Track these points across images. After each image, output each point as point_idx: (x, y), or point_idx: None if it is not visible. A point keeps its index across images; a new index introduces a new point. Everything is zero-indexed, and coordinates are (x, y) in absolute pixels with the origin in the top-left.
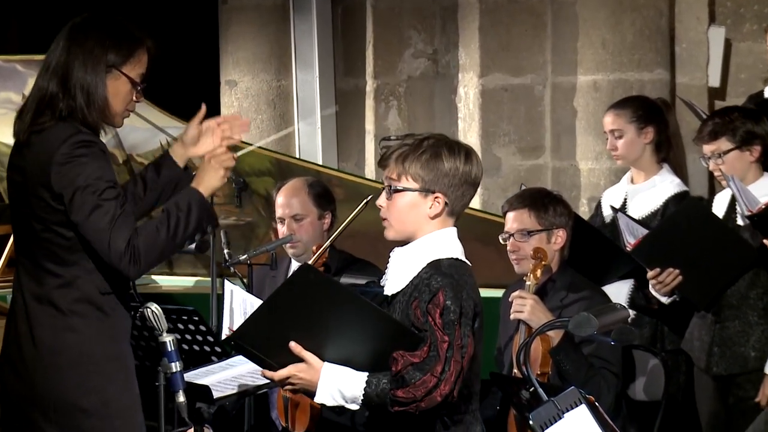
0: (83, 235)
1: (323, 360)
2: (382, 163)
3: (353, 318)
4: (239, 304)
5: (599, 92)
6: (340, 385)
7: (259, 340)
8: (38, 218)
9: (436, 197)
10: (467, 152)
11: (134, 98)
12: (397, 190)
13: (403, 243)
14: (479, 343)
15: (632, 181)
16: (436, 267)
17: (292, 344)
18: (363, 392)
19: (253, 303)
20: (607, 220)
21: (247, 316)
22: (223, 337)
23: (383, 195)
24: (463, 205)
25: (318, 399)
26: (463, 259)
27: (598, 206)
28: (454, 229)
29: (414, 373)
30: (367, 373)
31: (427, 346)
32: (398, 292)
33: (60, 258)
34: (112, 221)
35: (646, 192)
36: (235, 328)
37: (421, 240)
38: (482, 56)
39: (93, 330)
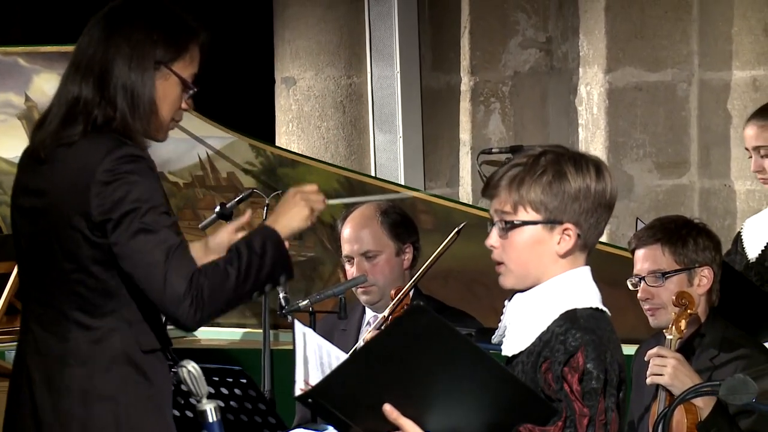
0: (129, 272)
1: (424, 430)
2: (488, 191)
3: (472, 378)
4: (314, 351)
5: (759, 92)
6: None
7: (345, 400)
8: (68, 254)
9: (565, 229)
10: (597, 165)
11: (183, 105)
12: (514, 226)
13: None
14: (623, 417)
15: None
16: (572, 319)
17: (387, 408)
18: None
19: (330, 350)
20: (753, 258)
21: (333, 368)
22: (297, 392)
23: (494, 233)
24: (598, 235)
25: None
26: (603, 308)
27: (738, 240)
28: (588, 268)
29: None
30: None
31: (561, 421)
32: (520, 352)
33: (93, 306)
34: (168, 254)
35: None
36: (312, 382)
37: (549, 283)
38: (609, 46)
39: (134, 398)
